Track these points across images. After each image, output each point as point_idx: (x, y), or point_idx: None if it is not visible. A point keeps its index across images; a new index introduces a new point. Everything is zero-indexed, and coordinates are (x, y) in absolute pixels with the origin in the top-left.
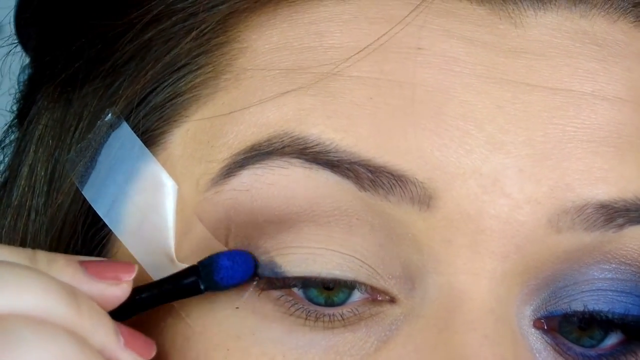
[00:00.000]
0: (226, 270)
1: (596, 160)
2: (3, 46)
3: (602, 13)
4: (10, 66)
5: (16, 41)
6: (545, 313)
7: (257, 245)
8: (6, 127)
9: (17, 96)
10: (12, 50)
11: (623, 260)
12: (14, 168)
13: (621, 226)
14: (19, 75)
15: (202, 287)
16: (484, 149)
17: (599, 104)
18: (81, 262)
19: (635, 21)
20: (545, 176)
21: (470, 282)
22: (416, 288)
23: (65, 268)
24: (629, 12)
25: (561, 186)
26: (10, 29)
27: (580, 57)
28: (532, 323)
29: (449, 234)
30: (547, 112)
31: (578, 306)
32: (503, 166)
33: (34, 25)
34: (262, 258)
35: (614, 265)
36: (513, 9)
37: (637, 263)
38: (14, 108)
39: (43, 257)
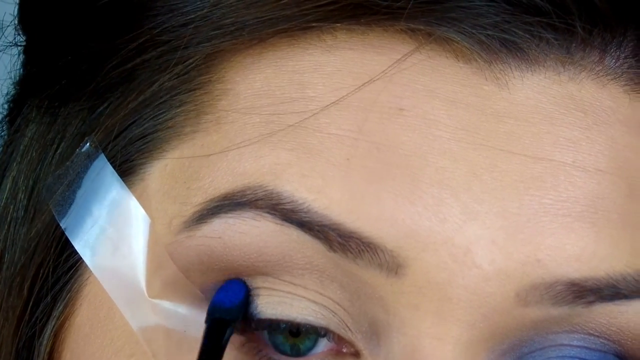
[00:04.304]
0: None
1: (570, 237)
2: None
3: (592, 76)
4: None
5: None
6: None
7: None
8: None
9: (8, 97)
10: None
11: (592, 332)
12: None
13: (591, 303)
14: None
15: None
16: (458, 219)
17: (577, 176)
18: None
19: (625, 85)
20: (516, 250)
21: (435, 347)
22: (381, 345)
23: None
24: (620, 76)
25: (532, 262)
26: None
27: (564, 125)
28: None
29: (415, 300)
30: (524, 182)
31: None
32: (476, 237)
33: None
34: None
35: (582, 335)
36: (500, 70)
37: (606, 336)
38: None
39: None
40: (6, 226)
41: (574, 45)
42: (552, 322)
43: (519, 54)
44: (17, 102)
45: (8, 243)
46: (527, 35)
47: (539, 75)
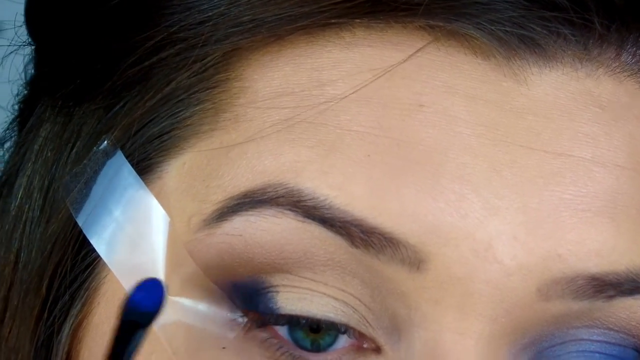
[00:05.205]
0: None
1: (590, 232)
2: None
3: (609, 73)
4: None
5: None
6: None
7: (260, 279)
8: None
9: (18, 97)
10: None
11: (611, 327)
12: (12, 173)
13: (611, 297)
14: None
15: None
16: (479, 214)
17: (596, 171)
18: None
19: None
20: (537, 245)
21: (456, 341)
22: (402, 340)
23: None
24: (637, 72)
25: (553, 256)
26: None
27: (582, 121)
28: None
29: (437, 295)
30: (544, 177)
31: None
32: (497, 232)
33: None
34: (261, 292)
35: (602, 330)
36: (518, 66)
37: (625, 330)
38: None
39: None
40: (21, 226)
41: (591, 41)
42: (573, 316)
43: (537, 50)
44: (29, 103)
45: (24, 243)
46: (545, 31)
47: (556, 71)
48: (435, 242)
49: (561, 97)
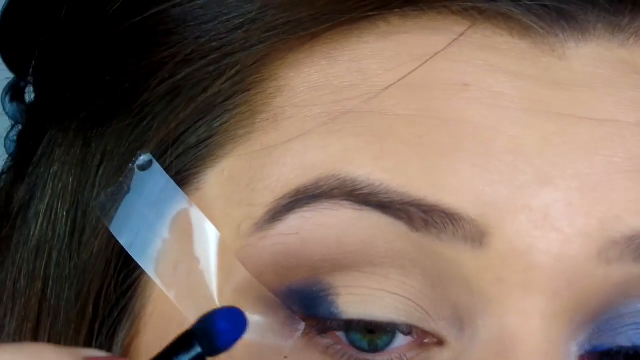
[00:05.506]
0: (227, 334)
1: None
2: None
3: None
4: None
5: None
6: (590, 348)
7: (319, 280)
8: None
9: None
10: None
11: None
12: (23, 204)
13: None
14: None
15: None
16: (534, 184)
17: None
18: None
19: None
20: (593, 208)
21: (522, 323)
22: (465, 329)
23: None
24: None
25: (610, 218)
26: None
27: (624, 87)
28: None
29: (501, 272)
30: (594, 143)
31: (623, 341)
32: (552, 200)
33: (45, 56)
34: (321, 295)
35: None
36: (554, 41)
37: None
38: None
39: None
40: (46, 254)
41: (622, 9)
42: (632, 284)
43: (572, 24)
44: (32, 132)
45: (52, 271)
46: (580, 3)
47: (591, 43)
48: (494, 215)
49: (600, 66)
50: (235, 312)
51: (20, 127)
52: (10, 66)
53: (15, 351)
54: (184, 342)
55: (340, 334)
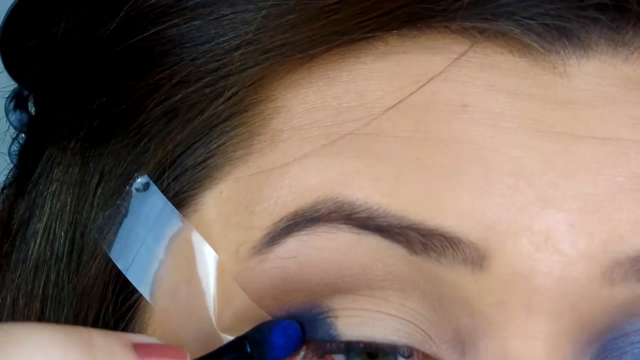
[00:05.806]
0: (280, 350)
1: None
2: None
3: None
4: None
5: None
6: None
7: (317, 304)
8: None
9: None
10: None
11: None
12: (23, 222)
13: None
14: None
15: None
16: (535, 206)
17: None
18: (137, 348)
19: None
20: (597, 229)
21: (525, 346)
22: (466, 353)
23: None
24: None
25: (613, 239)
26: None
27: (627, 104)
28: None
29: (502, 296)
30: (596, 162)
31: (629, 359)
32: (555, 222)
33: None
34: (319, 318)
35: None
36: (556, 59)
37: None
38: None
39: (101, 346)
40: (44, 274)
41: (624, 25)
42: (637, 303)
43: (573, 41)
44: (32, 150)
45: (50, 291)
46: (582, 20)
47: (593, 60)
48: (494, 237)
49: (602, 84)
50: (294, 327)
51: (23, 136)
52: (13, 76)
53: (64, 334)
54: (234, 346)
55: (341, 358)
